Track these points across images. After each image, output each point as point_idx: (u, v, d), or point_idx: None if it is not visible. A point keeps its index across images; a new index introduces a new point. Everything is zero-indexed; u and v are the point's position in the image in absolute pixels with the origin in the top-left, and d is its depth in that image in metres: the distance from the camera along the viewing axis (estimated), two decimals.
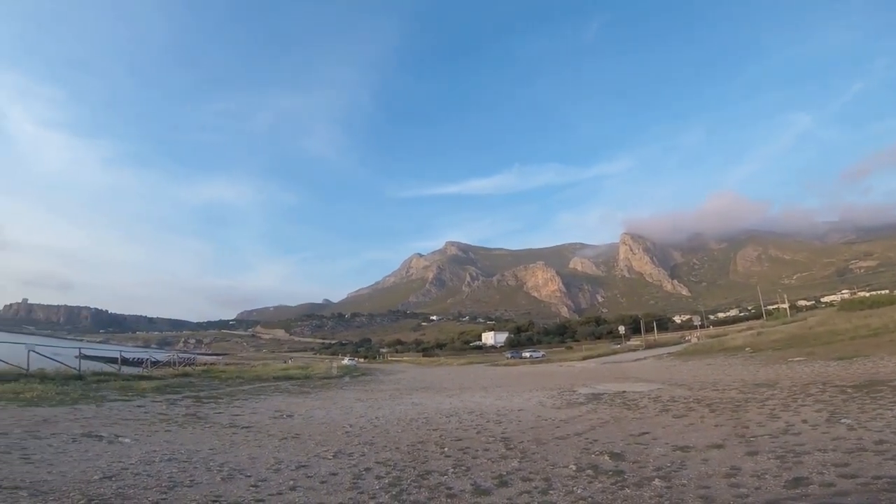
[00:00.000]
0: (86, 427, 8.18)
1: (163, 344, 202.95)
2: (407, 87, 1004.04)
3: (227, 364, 42.49)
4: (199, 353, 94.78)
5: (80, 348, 20.26)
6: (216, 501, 4.59)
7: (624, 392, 14.68)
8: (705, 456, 6.11)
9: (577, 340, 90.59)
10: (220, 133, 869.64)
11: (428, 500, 4.96)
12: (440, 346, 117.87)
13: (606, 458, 6.38)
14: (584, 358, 47.95)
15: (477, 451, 7.36)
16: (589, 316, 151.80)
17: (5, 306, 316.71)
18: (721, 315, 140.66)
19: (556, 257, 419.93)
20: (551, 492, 5.07)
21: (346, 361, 57.71)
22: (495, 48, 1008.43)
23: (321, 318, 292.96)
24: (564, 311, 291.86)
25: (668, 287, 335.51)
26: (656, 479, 5.19)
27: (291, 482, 5.49)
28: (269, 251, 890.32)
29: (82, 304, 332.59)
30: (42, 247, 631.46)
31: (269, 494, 4.97)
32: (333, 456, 7.03)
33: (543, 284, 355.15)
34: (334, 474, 5.95)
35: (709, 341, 39.13)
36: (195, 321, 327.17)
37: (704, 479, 5.12)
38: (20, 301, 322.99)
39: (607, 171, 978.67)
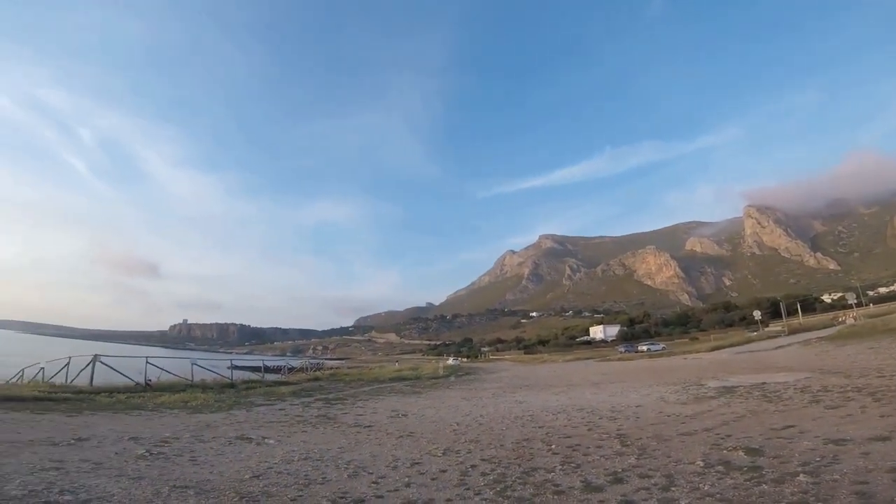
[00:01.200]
0: (238, 430, 9.17)
1: (295, 351, 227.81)
2: (476, 87, 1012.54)
3: (349, 368, 46.38)
4: (325, 359, 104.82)
5: (231, 360, 23.48)
6: (343, 498, 5.00)
7: (763, 384, 12.97)
8: (865, 449, 5.26)
9: (703, 330, 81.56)
10: (317, 158, 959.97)
11: (533, 496, 4.93)
12: (542, 342, 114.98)
13: (741, 453, 5.77)
14: (714, 349, 43.09)
15: (588, 447, 7.13)
16: (715, 302, 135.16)
17: (171, 327, 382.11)
18: (883, 290, 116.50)
19: (668, 240, 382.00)
20: (673, 488, 4.74)
21: (450, 361, 59.16)
22: (563, 31, 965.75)
23: (426, 321, 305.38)
24: (685, 299, 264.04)
25: (811, 261, 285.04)
26: (801, 475, 4.59)
27: (406, 479, 5.79)
28: (374, 261, 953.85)
29: (230, 321, 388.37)
30: (194, 275, 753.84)
31: (388, 491, 5.29)
32: (443, 453, 7.29)
33: (657, 271, 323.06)
34: (444, 471, 6.16)
35: (870, 321, 32.63)
36: (320, 329, 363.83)
37: (863, 473, 4.43)
38: (181, 322, 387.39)
39: (712, 143, 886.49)
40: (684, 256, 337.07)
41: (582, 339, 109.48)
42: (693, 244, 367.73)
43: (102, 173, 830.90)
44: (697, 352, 42.53)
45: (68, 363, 15.69)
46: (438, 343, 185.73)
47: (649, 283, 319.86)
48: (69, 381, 14.68)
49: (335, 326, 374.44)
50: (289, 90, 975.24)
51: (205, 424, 9.67)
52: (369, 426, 10.25)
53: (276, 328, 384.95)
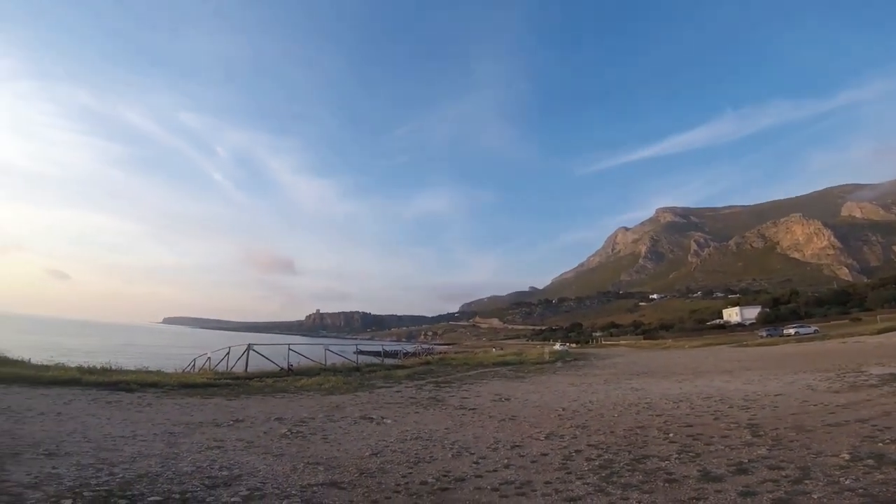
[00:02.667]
0: (362, 411, 9.90)
1: (409, 337, 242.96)
2: (563, 60, 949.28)
3: (455, 352, 48.15)
4: (434, 344, 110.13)
5: (357, 345, 25.96)
6: (446, 476, 5.31)
7: None
8: None
9: (869, 309, 67.80)
10: (413, 153, 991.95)
11: (641, 483, 4.81)
12: (665, 327, 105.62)
13: None
14: (882, 331, 35.89)
15: (712, 437, 6.71)
16: (884, 276, 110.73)
17: (307, 316, 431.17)
18: None
19: (818, 205, 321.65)
20: (806, 481, 4.32)
21: (557, 347, 57.76)
22: None
23: (530, 305, 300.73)
24: (843, 273, 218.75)
25: None
26: None
27: (506, 460, 5.97)
28: (475, 247, 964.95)
29: (354, 310, 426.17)
30: (322, 269, 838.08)
31: (487, 471, 5.51)
32: (545, 437, 7.33)
33: (806, 241, 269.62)
34: (545, 455, 6.23)
35: None
36: (429, 316, 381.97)
37: None
38: (315, 312, 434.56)
39: (858, 97, 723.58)
40: (841, 223, 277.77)
41: (713, 322, 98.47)
42: (851, 209, 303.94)
43: (240, 185, 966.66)
44: (860, 334, 35.72)
45: (228, 352, 18.32)
46: (543, 328, 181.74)
47: (797, 255, 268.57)
48: (229, 368, 17.23)
49: (442, 312, 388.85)
50: (383, 89, 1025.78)
51: (335, 405, 10.63)
52: (473, 409, 10.63)
53: (393, 315, 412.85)
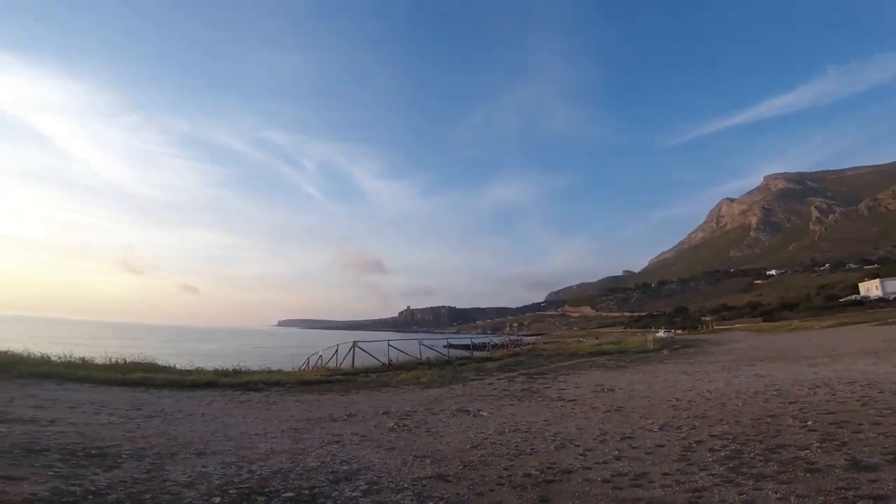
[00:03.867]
0: (458, 404, 10.04)
1: (494, 329, 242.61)
2: (631, 33, 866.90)
3: (545, 343, 47.18)
4: (522, 335, 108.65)
5: (447, 339, 26.56)
6: (550, 468, 5.21)
7: None
8: None
9: None
10: (481, 145, 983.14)
11: (777, 473, 4.41)
12: (788, 306, 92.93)
13: None
14: None
15: (860, 424, 6.04)
16: None
17: (399, 313, 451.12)
18: None
19: None
20: None
21: (661, 334, 53.79)
22: None
23: (625, 291, 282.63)
24: None
25: None
26: None
27: (616, 452, 5.76)
28: (557, 233, 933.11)
29: (440, 304, 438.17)
30: (409, 266, 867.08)
31: (596, 463, 5.34)
32: (659, 429, 6.95)
33: None
34: (660, 446, 5.92)
35: None
36: (514, 307, 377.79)
37: None
38: (405, 308, 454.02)
39: None
40: None
41: (848, 298, 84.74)
42: None
43: (328, 194, 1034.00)
44: None
45: (337, 350, 19.57)
46: (642, 314, 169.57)
47: None
48: (338, 364, 18.52)
49: (527, 303, 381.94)
50: (444, 86, 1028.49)
51: (433, 398, 10.90)
52: (573, 400, 10.34)
53: (477, 308, 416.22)
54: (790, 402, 8.36)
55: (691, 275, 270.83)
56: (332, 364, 18.75)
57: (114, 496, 3.95)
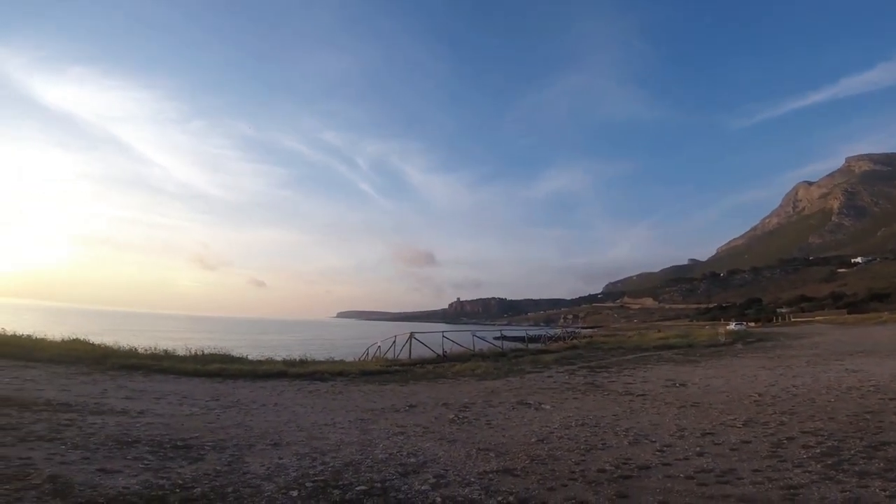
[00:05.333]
0: (517, 396, 9.80)
1: (547, 321, 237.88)
2: (686, 11, 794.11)
3: (604, 335, 45.52)
4: (578, 328, 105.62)
5: (501, 331, 26.45)
6: (626, 463, 4.99)
7: None
8: None
9: None
10: (533, 134, 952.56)
11: (884, 470, 4.11)
12: (878, 297, 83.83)
13: None
14: None
15: None
16: None
17: (449, 305, 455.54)
18: None
19: None
20: None
21: (733, 326, 50.36)
22: None
23: (690, 281, 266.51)
24: None
25: None
26: None
27: (698, 448, 5.46)
28: (616, 222, 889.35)
29: (490, 296, 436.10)
30: (459, 258, 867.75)
31: (676, 459, 5.08)
32: (743, 424, 6.55)
33: None
34: (747, 442, 5.57)
35: None
36: (569, 298, 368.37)
37: None
38: (455, 300, 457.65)
39: None
40: None
41: None
42: None
43: (381, 190, 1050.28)
44: None
45: (394, 341, 20.03)
46: (710, 306, 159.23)
47: None
48: (396, 355, 18.90)
49: (583, 294, 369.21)
50: (490, 77, 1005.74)
51: (490, 391, 10.74)
52: (642, 395, 9.85)
53: (528, 300, 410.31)
54: (890, 399, 7.95)
55: (765, 263, 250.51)
56: (389, 355, 19.16)
57: (198, 490, 4.05)
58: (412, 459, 5.28)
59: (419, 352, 18.68)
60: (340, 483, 4.41)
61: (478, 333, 23.36)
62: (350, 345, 40.01)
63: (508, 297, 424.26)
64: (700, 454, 5.22)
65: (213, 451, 5.36)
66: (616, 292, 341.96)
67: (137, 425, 6.38)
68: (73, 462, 4.55)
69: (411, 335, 19.07)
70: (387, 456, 5.42)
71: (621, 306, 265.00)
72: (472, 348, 20.28)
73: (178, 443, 5.61)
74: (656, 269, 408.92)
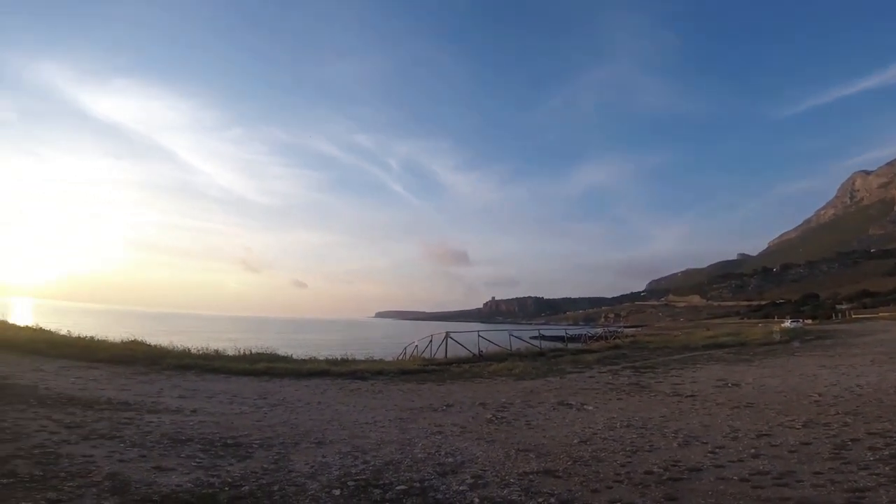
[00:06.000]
0: (558, 396, 9.60)
1: (587, 320, 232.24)
2: None
3: (648, 335, 43.96)
4: (620, 327, 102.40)
5: (538, 330, 26.11)
6: (675, 465, 4.79)
7: None
8: None
9: None
10: (561, 129, 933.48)
11: None
12: None
13: None
14: None
15: None
16: None
17: (484, 304, 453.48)
18: None
19: None
20: None
21: (788, 324, 47.47)
22: None
23: (740, 277, 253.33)
24: None
25: None
26: None
27: (753, 450, 5.22)
28: (656, 216, 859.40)
29: (526, 295, 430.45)
30: (492, 257, 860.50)
31: (729, 461, 4.86)
32: (802, 426, 6.22)
33: None
34: (806, 444, 5.29)
35: None
36: (609, 296, 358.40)
37: None
38: (490, 299, 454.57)
39: None
40: None
41: None
42: None
43: (412, 190, 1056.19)
44: None
45: (431, 340, 20.13)
46: (762, 303, 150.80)
47: None
48: (432, 354, 18.99)
49: (625, 292, 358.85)
50: (516, 73, 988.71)
51: (529, 391, 10.58)
52: (692, 395, 9.43)
53: (566, 298, 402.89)
54: None
55: (822, 256, 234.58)
56: (426, 354, 19.29)
57: (246, 488, 4.14)
58: (450, 459, 5.24)
59: (455, 351, 18.66)
60: (381, 482, 4.43)
61: (514, 333, 23.07)
62: (388, 344, 40.56)
63: (545, 296, 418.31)
64: (755, 456, 5.00)
65: (261, 449, 5.50)
66: (660, 290, 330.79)
67: (190, 423, 6.65)
68: (130, 460, 4.75)
69: (447, 334, 19.09)
70: (425, 455, 5.41)
71: (666, 304, 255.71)
72: (508, 348, 20.03)
73: (228, 441, 5.79)
74: (703, 265, 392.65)
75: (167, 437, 5.79)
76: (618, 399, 9.39)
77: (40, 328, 17.50)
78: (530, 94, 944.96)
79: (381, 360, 17.33)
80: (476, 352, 18.67)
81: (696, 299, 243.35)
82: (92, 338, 16.18)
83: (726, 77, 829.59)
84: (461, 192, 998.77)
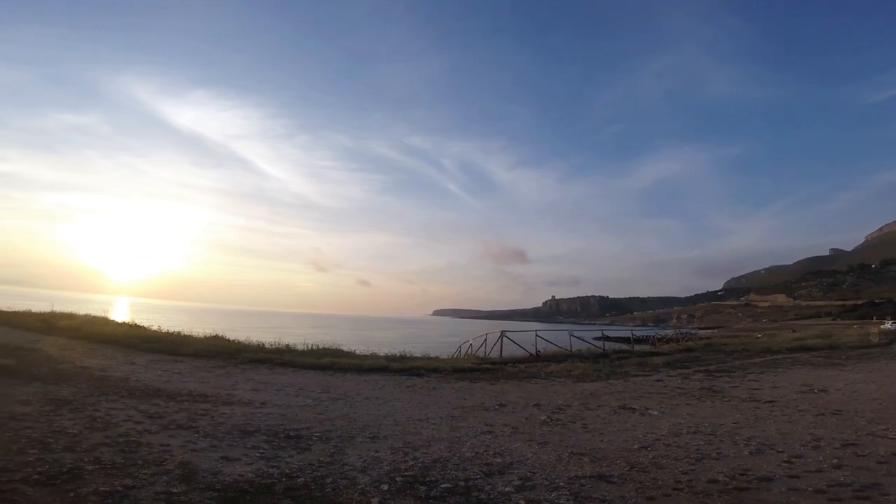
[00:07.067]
0: (620, 400, 9.30)
1: (657, 321, 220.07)
2: None
3: (725, 336, 40.77)
4: (695, 328, 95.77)
5: (602, 330, 25.13)
6: (743, 475, 4.50)
7: None
8: None
9: None
10: (625, 120, 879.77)
11: None
12: None
13: None
14: None
15: None
16: None
17: (543, 303, 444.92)
18: None
19: None
20: None
21: (888, 325, 42.30)
22: None
23: (833, 274, 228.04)
24: None
25: None
26: None
27: (835, 460, 4.83)
28: (735, 210, 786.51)
29: (589, 294, 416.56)
30: (552, 255, 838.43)
31: (806, 471, 4.51)
32: None
33: None
34: None
35: None
36: (682, 296, 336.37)
37: None
38: (550, 298, 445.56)
39: None
40: None
41: None
42: None
43: (468, 190, 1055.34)
44: None
45: (486, 339, 19.93)
46: (859, 303, 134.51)
47: None
48: (487, 353, 18.81)
49: (700, 291, 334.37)
50: (572, 67, 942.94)
51: (588, 393, 10.31)
52: (771, 401, 8.74)
53: (634, 297, 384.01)
54: None
55: None
56: (481, 353, 19.24)
57: (301, 479, 4.32)
58: (498, 459, 5.21)
59: (510, 350, 18.41)
60: (427, 479, 4.50)
61: (575, 333, 22.37)
62: (444, 342, 41.03)
63: (610, 295, 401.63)
64: (837, 466, 4.67)
65: (320, 442, 5.79)
66: (740, 288, 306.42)
67: (259, 415, 7.13)
68: (202, 450, 5.08)
69: (502, 333, 18.93)
70: (473, 454, 5.41)
71: (747, 304, 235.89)
72: (568, 348, 19.50)
73: (291, 433, 6.14)
74: (789, 262, 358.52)
75: (237, 428, 6.23)
76: (686, 404, 8.88)
77: (135, 324, 19.69)
78: (586, 87, 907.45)
79: (436, 358, 17.53)
80: (533, 352, 18.35)
81: (781, 298, 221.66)
82: (179, 333, 17.89)
83: (803, 62, 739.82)
84: (519, 189, 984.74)
